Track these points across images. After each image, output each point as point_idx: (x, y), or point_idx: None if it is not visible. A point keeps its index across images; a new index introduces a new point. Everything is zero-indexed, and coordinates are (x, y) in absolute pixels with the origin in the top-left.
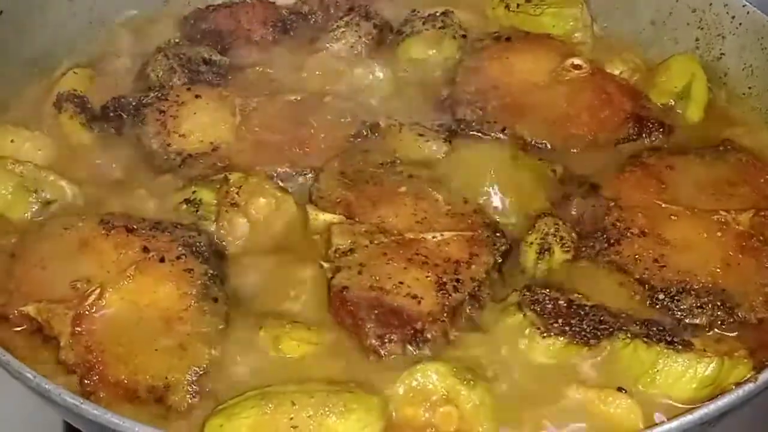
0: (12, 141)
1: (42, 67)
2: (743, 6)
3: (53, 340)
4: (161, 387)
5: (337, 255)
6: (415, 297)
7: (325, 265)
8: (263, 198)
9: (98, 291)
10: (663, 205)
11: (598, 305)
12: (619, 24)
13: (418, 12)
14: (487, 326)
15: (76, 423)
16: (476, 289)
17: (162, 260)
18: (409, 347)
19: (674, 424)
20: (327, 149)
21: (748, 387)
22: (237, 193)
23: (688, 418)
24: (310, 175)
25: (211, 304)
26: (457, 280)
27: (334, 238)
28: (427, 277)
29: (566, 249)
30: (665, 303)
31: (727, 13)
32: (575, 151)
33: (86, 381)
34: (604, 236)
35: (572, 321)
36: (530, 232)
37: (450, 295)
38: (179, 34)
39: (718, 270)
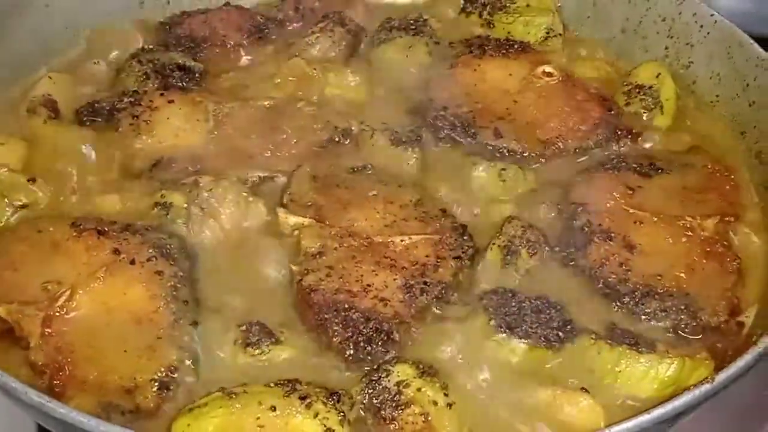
0: None
1: (18, 71)
2: (711, 15)
3: (23, 341)
4: (130, 387)
5: (306, 258)
6: (382, 299)
7: (294, 267)
8: (233, 201)
9: (69, 293)
10: (630, 210)
11: (564, 308)
12: (590, 32)
13: (392, 19)
14: (452, 329)
15: (44, 423)
16: (443, 291)
17: (132, 262)
18: (375, 349)
19: (631, 423)
20: (299, 154)
21: (705, 387)
22: (206, 197)
23: (645, 417)
24: (281, 179)
25: (180, 306)
26: (425, 283)
27: (304, 240)
28: (394, 279)
29: (533, 252)
30: (630, 306)
31: (696, 22)
32: (545, 156)
33: (56, 381)
34: (572, 240)
35: (537, 324)
36: (497, 235)
37: (417, 297)
38: (154, 40)
39: (683, 274)
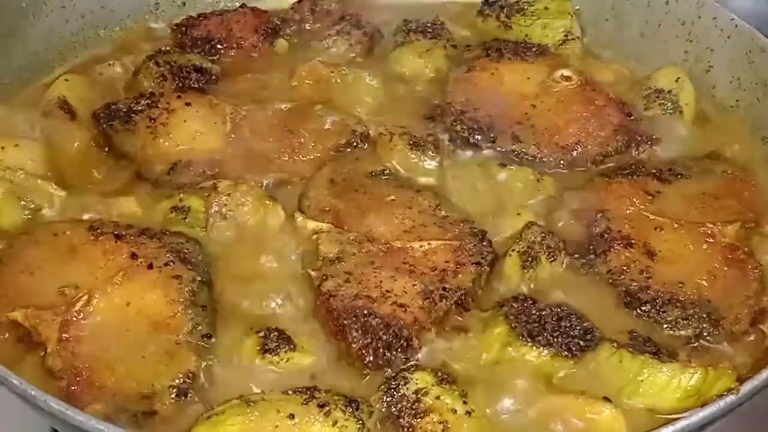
0: (2, 147)
1: (34, 73)
2: (731, 19)
3: (40, 347)
4: (148, 393)
5: (325, 263)
6: (401, 306)
7: (313, 273)
8: (251, 206)
9: (86, 297)
10: (650, 217)
11: (584, 316)
12: (608, 36)
13: (410, 21)
14: (472, 336)
15: (62, 429)
16: (462, 298)
17: (150, 267)
18: (394, 355)
19: None
20: (317, 158)
21: (730, 399)
22: (225, 201)
23: (669, 429)
24: (299, 182)
25: (198, 311)
26: (444, 289)
27: (322, 246)
28: (413, 285)
29: (552, 258)
30: (651, 314)
31: (716, 26)
32: (564, 161)
33: (73, 387)
34: (591, 247)
35: (558, 332)
36: (517, 241)
37: (436, 303)
38: (171, 42)
39: (704, 282)
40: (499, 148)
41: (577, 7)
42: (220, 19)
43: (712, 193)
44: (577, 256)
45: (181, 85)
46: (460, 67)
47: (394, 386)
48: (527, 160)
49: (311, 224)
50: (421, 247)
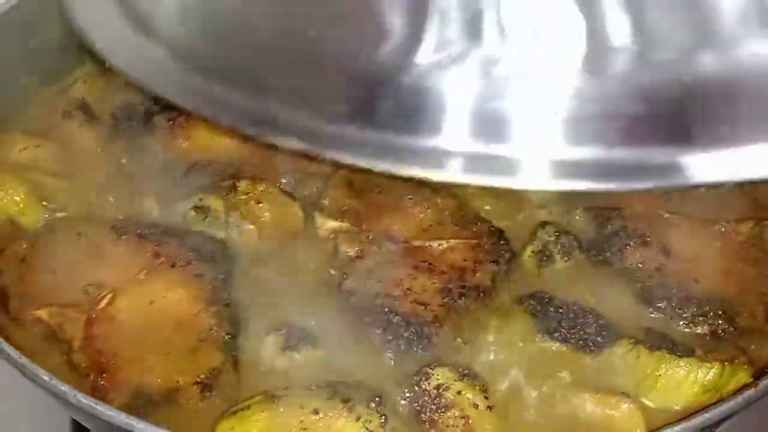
0: (24, 148)
1: (53, 75)
2: None
3: (65, 344)
4: (172, 390)
5: (344, 262)
6: (421, 303)
7: (333, 271)
8: (271, 205)
9: (110, 296)
10: (664, 215)
11: (601, 313)
12: None
13: None
14: (491, 332)
15: (88, 424)
16: (481, 295)
17: (173, 266)
18: (415, 352)
19: (676, 428)
20: None
21: (748, 393)
22: (245, 200)
23: (689, 423)
24: (317, 182)
25: (221, 309)
26: (463, 287)
27: (341, 245)
28: (433, 284)
29: (567, 257)
30: (667, 311)
31: None
32: None
33: (100, 383)
34: (606, 245)
35: (575, 329)
36: (532, 239)
37: (456, 301)
38: None
39: (719, 279)
40: None
41: None
42: None
43: (726, 191)
44: (593, 253)
45: None
46: None
47: (415, 382)
48: None
49: (330, 223)
50: (439, 245)
